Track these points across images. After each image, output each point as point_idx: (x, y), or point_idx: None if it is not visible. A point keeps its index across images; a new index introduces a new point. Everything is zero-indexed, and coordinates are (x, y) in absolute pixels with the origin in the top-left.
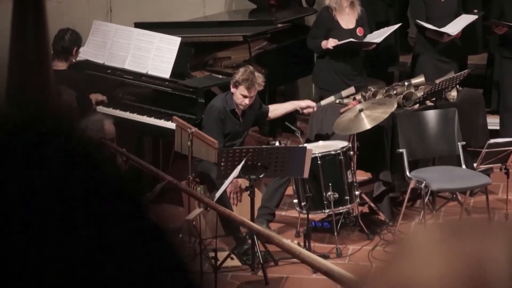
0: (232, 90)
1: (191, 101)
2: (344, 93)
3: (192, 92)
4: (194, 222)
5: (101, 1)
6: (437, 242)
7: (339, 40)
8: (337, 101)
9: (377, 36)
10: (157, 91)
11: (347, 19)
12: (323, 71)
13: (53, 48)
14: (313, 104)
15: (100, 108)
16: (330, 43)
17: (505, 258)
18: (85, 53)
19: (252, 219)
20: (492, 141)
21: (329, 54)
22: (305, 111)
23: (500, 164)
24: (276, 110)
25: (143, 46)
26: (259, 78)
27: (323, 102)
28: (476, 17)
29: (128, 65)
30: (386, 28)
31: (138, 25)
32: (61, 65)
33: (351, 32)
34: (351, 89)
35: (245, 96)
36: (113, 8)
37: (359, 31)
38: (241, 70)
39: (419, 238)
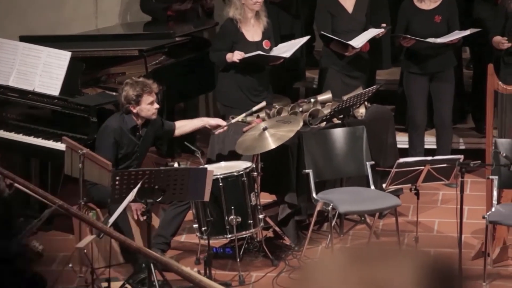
0: (135, 109)
1: (83, 120)
2: (255, 108)
3: (84, 110)
4: (85, 250)
5: None
6: (343, 268)
7: (244, 53)
8: (241, 119)
9: (285, 50)
10: (45, 109)
11: (253, 31)
12: (226, 86)
13: None
14: (223, 123)
15: None
16: (236, 55)
17: (412, 284)
18: None
19: (149, 246)
20: (401, 160)
21: (234, 68)
22: (215, 131)
23: (410, 185)
24: (184, 127)
25: (29, 62)
26: (146, 80)
27: (233, 120)
28: (382, 30)
29: (13, 82)
30: (294, 41)
31: (24, 38)
32: None
33: (257, 45)
34: (262, 104)
35: (152, 103)
36: None
37: (266, 44)
38: (128, 87)
39: (325, 263)
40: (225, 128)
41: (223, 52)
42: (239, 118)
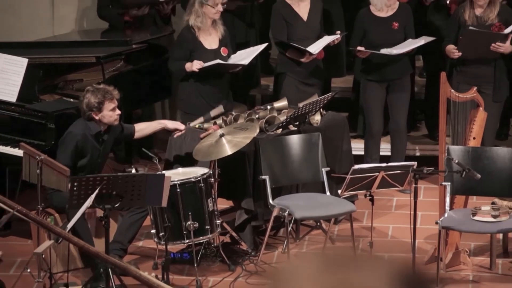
0: (97, 116)
1: (40, 127)
2: (213, 113)
3: (41, 117)
4: (43, 255)
5: None
6: (317, 273)
7: (203, 61)
8: (197, 126)
9: (243, 57)
10: (2, 116)
11: (210, 39)
12: (187, 94)
13: None
14: (182, 126)
15: None
16: (195, 65)
17: None
18: None
19: (107, 252)
20: (356, 166)
21: (194, 77)
22: (174, 134)
23: (364, 191)
24: (143, 130)
25: None
26: (107, 86)
27: (192, 124)
28: (337, 36)
29: None
30: (252, 49)
31: None
32: None
33: (215, 53)
34: (220, 108)
35: (114, 109)
36: None
37: (223, 51)
38: (89, 94)
39: (298, 268)
40: (183, 131)
41: (182, 62)
42: (197, 122)
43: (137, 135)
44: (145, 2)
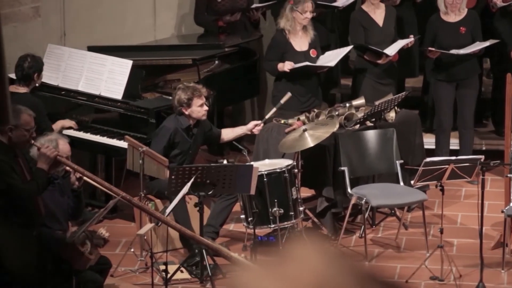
0: (187, 111)
1: (142, 121)
2: (282, 100)
3: (144, 112)
4: (145, 237)
5: (55, 26)
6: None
7: (294, 62)
8: (283, 122)
9: (330, 59)
10: (109, 111)
11: (300, 42)
12: (280, 92)
13: (15, 75)
14: (258, 122)
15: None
16: (286, 66)
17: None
18: None
19: (201, 234)
20: (428, 159)
21: (286, 77)
22: (254, 131)
23: (435, 181)
24: (228, 134)
25: (96, 69)
26: (196, 85)
27: (267, 116)
28: (411, 40)
29: (82, 87)
30: (338, 50)
31: (91, 48)
32: (22, 89)
33: (305, 54)
34: (287, 95)
35: (202, 105)
36: (66, 32)
37: (313, 53)
38: (180, 91)
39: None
40: (262, 125)
41: (275, 62)
42: (271, 112)
43: (223, 139)
44: (237, 9)
